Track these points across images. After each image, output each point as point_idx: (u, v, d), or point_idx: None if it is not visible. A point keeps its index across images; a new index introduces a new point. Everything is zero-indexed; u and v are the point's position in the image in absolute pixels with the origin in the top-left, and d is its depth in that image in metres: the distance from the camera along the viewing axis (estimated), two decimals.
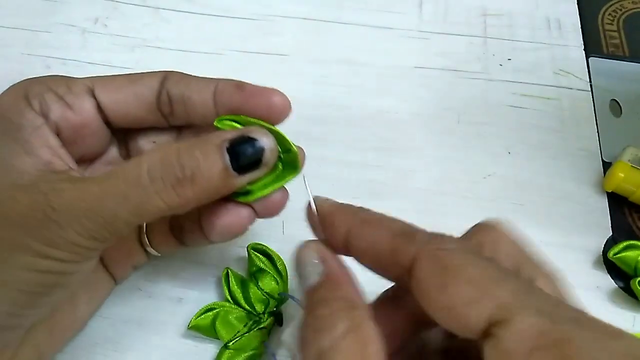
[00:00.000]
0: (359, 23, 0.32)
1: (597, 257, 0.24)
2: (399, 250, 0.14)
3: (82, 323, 0.21)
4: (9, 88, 0.18)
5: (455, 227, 0.25)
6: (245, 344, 0.20)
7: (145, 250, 0.21)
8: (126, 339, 0.21)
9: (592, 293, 0.23)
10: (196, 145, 0.16)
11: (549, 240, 0.24)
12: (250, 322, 0.21)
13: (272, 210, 0.19)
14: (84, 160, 0.20)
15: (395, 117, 0.28)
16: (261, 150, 0.17)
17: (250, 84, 0.19)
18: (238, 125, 0.18)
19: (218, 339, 0.20)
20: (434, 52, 0.31)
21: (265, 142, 0.17)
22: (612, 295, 0.23)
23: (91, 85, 0.19)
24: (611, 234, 0.25)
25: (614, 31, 0.32)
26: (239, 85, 0.18)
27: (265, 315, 0.21)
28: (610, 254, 0.23)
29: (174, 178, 0.16)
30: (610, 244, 0.24)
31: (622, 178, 0.25)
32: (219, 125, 0.18)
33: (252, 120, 0.18)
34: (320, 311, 0.14)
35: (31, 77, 0.19)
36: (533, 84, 0.30)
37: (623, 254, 0.23)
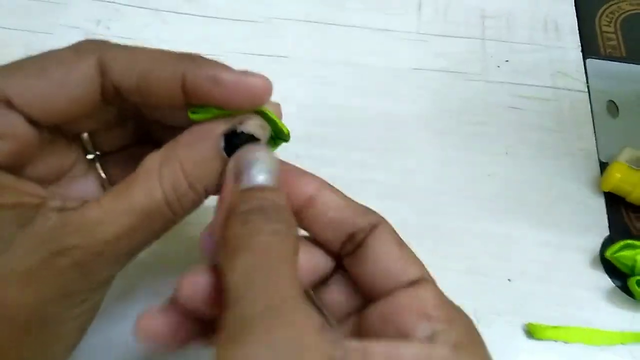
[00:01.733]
0: (358, 25, 0.32)
1: (595, 256, 0.24)
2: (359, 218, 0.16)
3: None
4: None
5: (454, 227, 0.25)
6: None
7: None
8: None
9: (589, 292, 0.23)
10: (197, 159, 0.15)
11: (546, 239, 0.25)
12: None
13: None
14: (48, 180, 0.17)
15: (395, 118, 0.29)
16: (257, 140, 0.16)
17: (226, 73, 0.16)
18: (219, 113, 0.16)
19: None
20: (433, 54, 0.31)
21: (261, 133, 0.16)
22: (609, 294, 0.23)
23: (3, 96, 0.15)
24: (608, 233, 0.25)
25: (612, 33, 0.33)
26: (215, 80, 0.15)
27: None
28: (608, 253, 0.23)
29: (190, 200, 0.16)
30: (607, 243, 0.24)
31: (619, 178, 0.25)
32: (193, 117, 0.16)
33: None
34: (274, 217, 0.14)
35: None
36: (531, 85, 0.30)
37: (620, 253, 0.23)
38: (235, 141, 0.16)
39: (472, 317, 0.23)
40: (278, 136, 0.18)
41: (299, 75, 0.30)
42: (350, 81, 0.30)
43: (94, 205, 0.15)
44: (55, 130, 0.17)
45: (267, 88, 0.16)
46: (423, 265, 0.16)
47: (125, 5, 0.33)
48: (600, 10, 0.34)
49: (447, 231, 0.25)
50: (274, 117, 0.17)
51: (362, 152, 0.27)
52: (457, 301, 0.23)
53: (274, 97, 0.29)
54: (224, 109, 0.16)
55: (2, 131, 0.15)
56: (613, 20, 0.33)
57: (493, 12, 0.33)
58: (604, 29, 0.33)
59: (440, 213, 0.25)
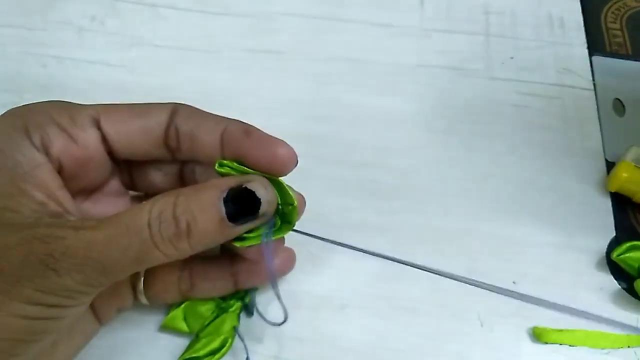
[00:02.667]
0: (359, 20, 0.32)
1: (600, 258, 0.24)
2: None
3: None
4: (6, 114, 0.17)
5: (457, 227, 0.25)
6: (214, 330, 0.20)
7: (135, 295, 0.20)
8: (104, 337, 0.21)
9: (595, 294, 0.23)
10: (193, 198, 0.16)
11: (551, 240, 0.24)
12: (218, 310, 0.21)
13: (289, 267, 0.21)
14: (84, 191, 0.19)
15: (397, 116, 0.28)
16: (258, 203, 0.17)
17: (258, 131, 0.18)
18: (238, 169, 0.18)
19: (191, 333, 0.21)
20: (436, 50, 0.31)
21: (263, 194, 0.17)
22: (615, 296, 0.23)
23: (96, 116, 0.18)
24: (614, 234, 0.24)
25: (617, 29, 0.32)
26: (247, 131, 0.18)
27: (232, 301, 0.21)
28: (614, 255, 0.23)
29: (171, 232, 0.16)
30: (613, 244, 0.24)
31: (626, 178, 0.24)
32: (219, 170, 0.18)
33: (254, 171, 0.18)
34: None
35: (30, 103, 0.18)
36: (536, 82, 0.29)
37: (626, 255, 0.23)
38: (235, 200, 0.17)
39: (476, 319, 0.22)
40: (284, 218, 0.18)
41: (299, 72, 0.29)
42: (351, 78, 0.29)
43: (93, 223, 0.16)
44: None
45: (292, 155, 0.18)
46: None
47: (120, 0, 0.32)
48: (606, 7, 0.33)
49: (450, 232, 0.24)
50: (288, 190, 0.18)
51: (363, 150, 0.27)
52: (460, 303, 0.23)
53: (273, 94, 0.29)
54: (248, 167, 0.18)
55: (79, 139, 0.17)
56: (619, 17, 0.33)
57: (497, 8, 0.33)
58: (610, 25, 0.32)
59: (443, 213, 0.25)
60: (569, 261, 0.24)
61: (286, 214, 0.18)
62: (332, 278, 0.23)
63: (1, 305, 0.15)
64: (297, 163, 0.18)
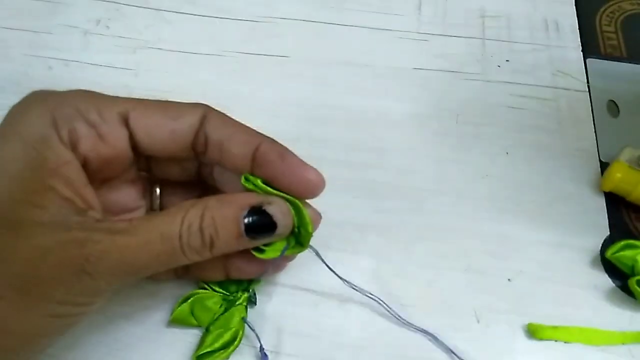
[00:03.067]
0: (358, 25, 0.32)
1: (595, 256, 0.24)
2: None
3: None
4: (32, 99, 0.17)
5: (454, 227, 0.25)
6: (224, 323, 0.21)
7: None
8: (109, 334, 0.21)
9: (589, 292, 0.23)
10: (218, 213, 0.17)
11: (546, 239, 0.25)
12: (226, 303, 0.21)
13: (281, 268, 0.22)
14: (103, 180, 0.19)
15: (395, 118, 0.29)
16: (275, 225, 0.18)
17: (291, 155, 0.19)
18: (262, 188, 0.19)
19: (200, 326, 0.21)
20: (433, 54, 0.31)
21: (280, 218, 0.18)
22: (609, 294, 0.23)
23: (125, 113, 0.18)
24: (609, 233, 0.25)
25: (612, 32, 0.33)
26: (282, 155, 0.18)
27: (239, 293, 0.21)
28: (608, 253, 0.23)
29: (198, 244, 0.17)
30: (607, 243, 0.24)
31: (620, 178, 0.25)
32: (245, 184, 0.19)
33: (279, 193, 0.19)
34: None
35: (54, 89, 0.18)
36: (531, 85, 0.30)
37: (621, 253, 0.23)
38: (254, 219, 0.18)
39: (472, 316, 0.23)
40: (299, 239, 0.20)
41: (300, 75, 0.30)
42: (351, 81, 0.30)
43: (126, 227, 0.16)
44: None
45: (320, 182, 0.19)
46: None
47: (125, 5, 0.33)
48: (601, 10, 0.34)
49: (447, 231, 0.25)
50: (306, 215, 0.19)
51: (362, 152, 0.27)
52: (456, 300, 0.23)
53: (274, 97, 0.29)
54: (273, 188, 0.19)
55: (107, 137, 0.17)
56: (613, 20, 0.33)
57: (493, 12, 0.33)
58: (605, 28, 0.33)
59: (439, 213, 0.25)
60: (563, 259, 0.24)
61: (302, 235, 0.19)
62: (332, 275, 0.23)
63: (35, 307, 0.15)
64: (324, 187, 0.19)
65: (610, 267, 0.24)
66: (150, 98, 0.19)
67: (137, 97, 0.19)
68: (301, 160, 0.19)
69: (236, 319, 0.21)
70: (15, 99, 0.18)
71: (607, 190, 0.26)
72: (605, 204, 0.26)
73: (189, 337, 0.21)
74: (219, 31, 0.32)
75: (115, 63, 0.30)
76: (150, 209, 0.21)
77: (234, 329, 0.21)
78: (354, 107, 0.29)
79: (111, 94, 0.19)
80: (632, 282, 0.22)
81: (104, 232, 0.16)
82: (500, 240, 0.24)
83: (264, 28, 0.32)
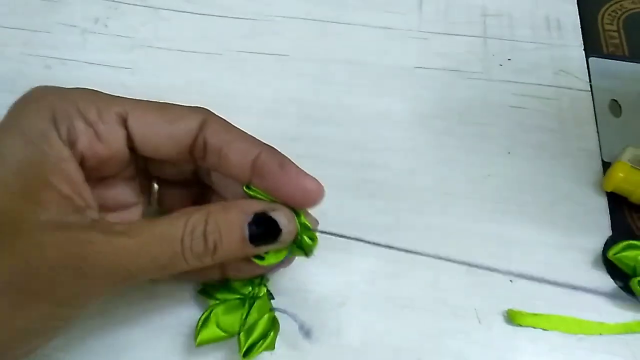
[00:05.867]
0: (359, 23, 0.32)
1: (597, 257, 0.24)
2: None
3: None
4: (32, 95, 0.17)
5: (456, 227, 0.25)
6: (257, 316, 0.20)
7: None
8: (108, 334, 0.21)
9: (591, 293, 0.23)
10: (222, 219, 0.17)
11: (548, 240, 0.24)
12: (250, 300, 0.21)
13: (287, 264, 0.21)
14: (99, 178, 0.19)
15: (395, 117, 0.28)
16: (279, 232, 0.18)
17: (291, 164, 0.18)
18: (265, 196, 0.19)
19: (233, 336, 0.20)
20: (434, 52, 0.31)
21: (285, 224, 0.18)
22: (611, 295, 0.23)
23: (124, 114, 0.18)
24: (610, 234, 0.25)
25: (614, 31, 0.33)
26: (282, 164, 0.18)
27: (257, 288, 0.21)
28: (610, 253, 0.23)
29: (201, 250, 0.17)
30: (609, 243, 0.24)
31: (622, 178, 0.25)
32: (248, 192, 0.19)
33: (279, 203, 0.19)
34: None
35: (54, 85, 0.18)
36: (533, 84, 0.30)
37: (622, 253, 0.23)
38: (258, 226, 0.18)
39: (473, 317, 0.23)
40: (300, 244, 0.19)
41: (300, 74, 0.30)
42: (350, 80, 0.30)
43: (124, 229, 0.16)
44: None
45: (320, 191, 0.18)
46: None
47: (123, 3, 0.32)
48: (603, 9, 0.34)
49: (449, 231, 0.25)
50: (307, 223, 0.19)
51: (362, 151, 0.27)
52: (459, 301, 0.23)
53: (273, 95, 0.29)
54: (274, 197, 0.19)
55: (105, 137, 0.17)
56: (616, 19, 0.33)
57: (495, 10, 0.33)
58: (607, 27, 0.33)
59: (441, 213, 0.25)
60: (565, 260, 0.24)
61: (304, 243, 0.19)
62: (332, 276, 0.23)
63: (31, 307, 0.15)
64: (323, 197, 0.19)
65: (612, 268, 0.24)
66: (148, 97, 0.19)
67: (136, 97, 0.19)
68: (301, 170, 0.18)
69: (265, 309, 0.20)
70: (11, 98, 0.17)
71: (609, 190, 0.25)
72: (607, 204, 0.26)
73: (186, 340, 0.21)
74: (218, 29, 0.31)
75: (113, 61, 0.30)
76: (148, 206, 0.21)
77: (267, 315, 0.20)
78: (354, 105, 0.29)
79: (109, 91, 0.19)
80: (634, 283, 0.22)
81: (103, 233, 0.16)
82: (503, 241, 0.24)
83: (263, 26, 0.32)
